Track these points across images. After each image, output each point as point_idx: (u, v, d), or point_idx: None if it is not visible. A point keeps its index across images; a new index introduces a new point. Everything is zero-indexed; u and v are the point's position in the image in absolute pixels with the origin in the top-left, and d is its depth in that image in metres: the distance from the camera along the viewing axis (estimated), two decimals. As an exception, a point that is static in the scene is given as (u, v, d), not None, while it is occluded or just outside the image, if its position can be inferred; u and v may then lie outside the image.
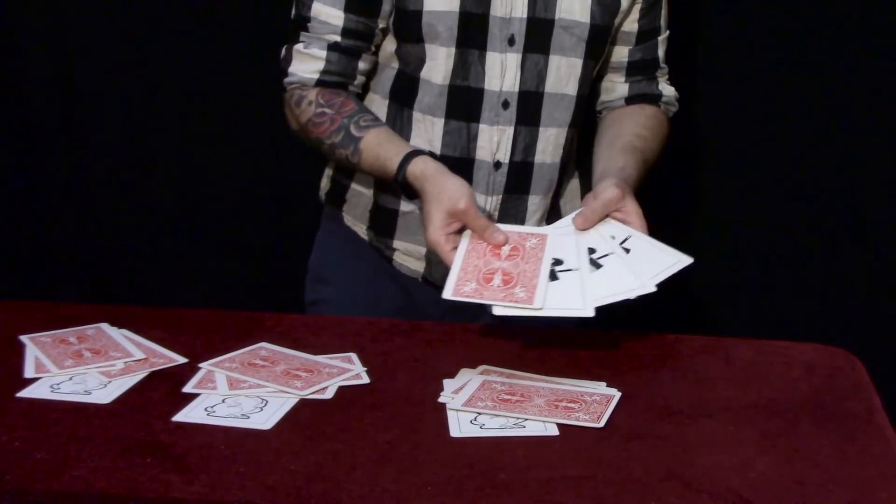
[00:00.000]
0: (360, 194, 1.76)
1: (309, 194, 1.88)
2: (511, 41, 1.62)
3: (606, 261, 1.45)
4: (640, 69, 1.76)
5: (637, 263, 1.44)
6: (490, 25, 1.61)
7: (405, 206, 1.71)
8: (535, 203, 1.71)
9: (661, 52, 1.76)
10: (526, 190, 1.70)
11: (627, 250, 1.46)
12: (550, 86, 1.65)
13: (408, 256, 1.74)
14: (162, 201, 2.38)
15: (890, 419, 1.34)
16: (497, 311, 1.40)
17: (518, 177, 1.68)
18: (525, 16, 1.61)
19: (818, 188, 2.20)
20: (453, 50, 1.61)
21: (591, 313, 1.39)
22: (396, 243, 1.74)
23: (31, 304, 1.67)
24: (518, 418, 1.30)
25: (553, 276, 1.43)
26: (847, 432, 1.30)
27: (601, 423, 1.30)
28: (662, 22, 1.74)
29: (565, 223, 1.53)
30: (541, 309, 1.39)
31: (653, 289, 1.40)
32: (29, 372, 1.42)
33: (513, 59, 1.63)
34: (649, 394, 1.39)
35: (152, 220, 2.39)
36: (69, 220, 2.41)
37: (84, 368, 1.43)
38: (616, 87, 1.77)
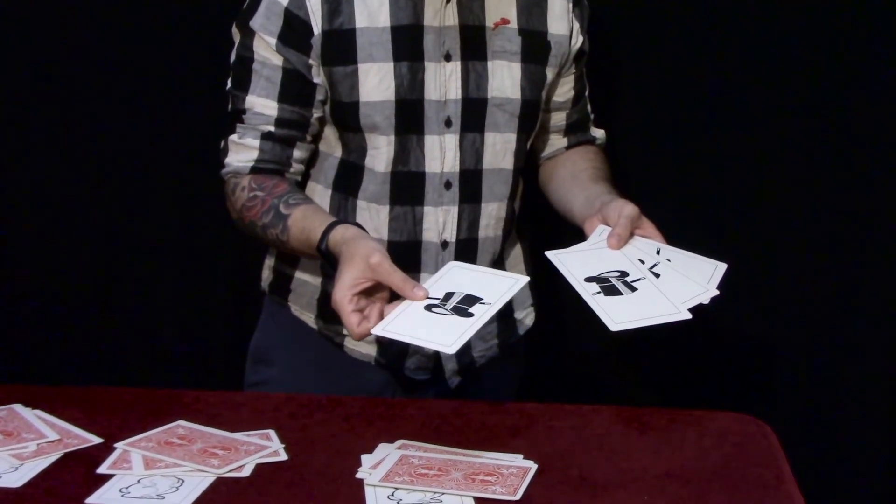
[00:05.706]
0: (306, 283, 1.76)
1: (247, 275, 1.86)
2: (448, 123, 1.65)
3: (660, 269, 1.50)
4: (577, 127, 1.85)
5: (685, 271, 1.50)
6: (426, 110, 1.64)
7: None
8: None
9: (589, 107, 1.86)
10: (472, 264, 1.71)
11: (668, 260, 1.52)
12: (488, 162, 1.69)
13: (360, 341, 1.72)
14: (83, 276, 2.34)
15: (799, 486, 1.38)
16: (614, 328, 1.39)
17: (464, 253, 1.70)
18: (459, 97, 1.65)
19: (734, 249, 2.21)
20: (393, 137, 1.64)
21: (688, 315, 1.42)
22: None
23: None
24: (435, 493, 1.31)
25: (631, 288, 1.46)
26: (756, 501, 1.32)
27: (517, 496, 1.31)
28: (586, 80, 1.84)
29: (590, 244, 1.55)
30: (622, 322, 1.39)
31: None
32: (-64, 458, 1.39)
33: (451, 139, 1.66)
34: (564, 465, 1.40)
35: (71, 295, 2.35)
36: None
37: (-5, 452, 1.41)
38: (556, 142, 1.85)
